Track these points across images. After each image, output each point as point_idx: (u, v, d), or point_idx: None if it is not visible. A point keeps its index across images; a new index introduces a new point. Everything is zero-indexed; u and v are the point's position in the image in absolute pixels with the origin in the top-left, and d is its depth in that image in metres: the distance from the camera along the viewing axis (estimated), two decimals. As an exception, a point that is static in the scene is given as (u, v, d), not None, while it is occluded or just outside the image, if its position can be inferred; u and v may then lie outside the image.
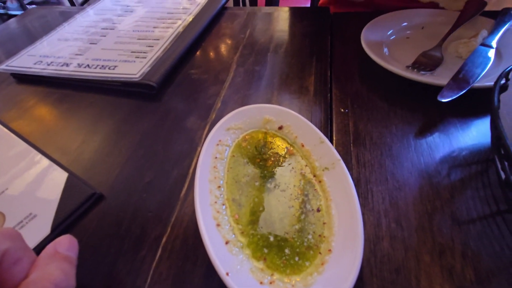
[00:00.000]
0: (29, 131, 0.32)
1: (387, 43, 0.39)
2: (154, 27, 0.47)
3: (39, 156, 0.28)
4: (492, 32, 0.34)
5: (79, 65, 0.39)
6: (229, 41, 0.45)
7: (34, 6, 3.06)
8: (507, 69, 0.22)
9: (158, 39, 0.43)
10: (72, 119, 0.34)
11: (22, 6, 2.97)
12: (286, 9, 0.52)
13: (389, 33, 0.40)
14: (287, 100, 0.33)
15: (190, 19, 0.48)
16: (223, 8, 0.54)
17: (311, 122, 0.25)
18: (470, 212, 0.21)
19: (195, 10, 0.51)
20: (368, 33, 0.38)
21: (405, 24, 0.42)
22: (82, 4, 2.31)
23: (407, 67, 0.33)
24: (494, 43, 0.33)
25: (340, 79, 0.35)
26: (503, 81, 0.22)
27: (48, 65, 0.40)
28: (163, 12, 0.51)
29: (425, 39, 0.38)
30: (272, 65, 0.39)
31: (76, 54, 0.41)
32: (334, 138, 0.28)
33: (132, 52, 0.41)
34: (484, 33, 0.35)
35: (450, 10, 0.33)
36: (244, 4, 0.92)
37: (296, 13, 0.51)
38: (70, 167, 0.27)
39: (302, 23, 0.47)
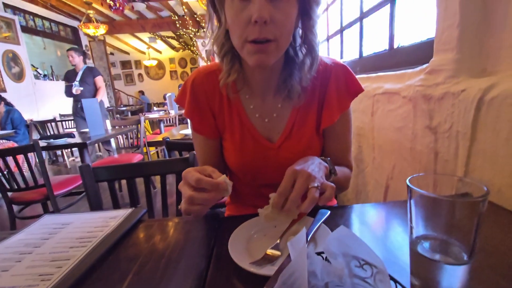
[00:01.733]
0: None
1: (250, 241, 0.54)
2: (70, 247, 0.56)
3: None
4: (309, 230, 0.52)
5: (-21, 297, 0.43)
6: (133, 253, 0.56)
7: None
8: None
9: (69, 259, 0.52)
10: None
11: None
12: (186, 218, 0.69)
13: (252, 232, 0.57)
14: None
15: (107, 234, 0.60)
16: (138, 221, 0.68)
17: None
18: None
19: (112, 226, 0.64)
20: (235, 236, 0.54)
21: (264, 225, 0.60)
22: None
23: (252, 263, 0.46)
24: (309, 238, 0.50)
25: (217, 271, 0.46)
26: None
27: None
28: (83, 232, 0.62)
29: (277, 235, 0.55)
30: (161, 272, 0.48)
31: (-19, 285, 0.46)
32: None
33: (39, 275, 0.47)
34: (304, 231, 0.52)
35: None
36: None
37: (192, 220, 0.67)
38: None
39: (196, 228, 0.63)
